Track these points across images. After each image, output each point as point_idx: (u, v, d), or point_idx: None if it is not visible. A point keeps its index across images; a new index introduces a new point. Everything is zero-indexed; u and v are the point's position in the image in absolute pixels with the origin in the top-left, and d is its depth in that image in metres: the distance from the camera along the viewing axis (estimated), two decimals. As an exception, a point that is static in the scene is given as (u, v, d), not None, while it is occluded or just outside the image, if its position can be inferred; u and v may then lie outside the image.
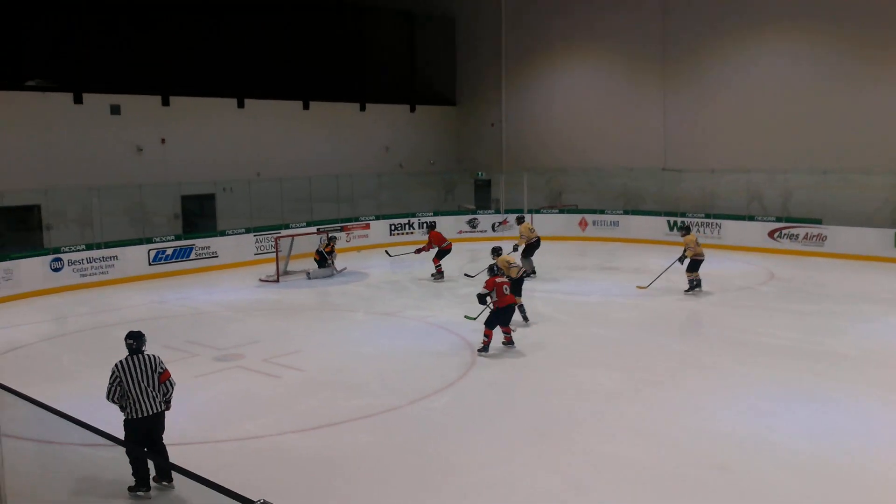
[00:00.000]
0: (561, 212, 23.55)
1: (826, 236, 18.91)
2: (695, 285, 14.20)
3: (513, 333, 10.62)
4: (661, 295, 14.31)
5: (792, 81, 20.57)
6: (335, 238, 17.15)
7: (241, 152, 22.09)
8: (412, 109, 27.07)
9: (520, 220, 16.68)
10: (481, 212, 23.78)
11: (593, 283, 15.87)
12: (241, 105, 22.36)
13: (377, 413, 8.19)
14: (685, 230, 14.68)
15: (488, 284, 10.43)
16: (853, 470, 6.61)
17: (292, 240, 17.32)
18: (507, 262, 12.02)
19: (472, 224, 23.21)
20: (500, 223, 23.23)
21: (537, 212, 23.32)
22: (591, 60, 24.88)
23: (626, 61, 23.91)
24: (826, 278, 16.20)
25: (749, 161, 21.21)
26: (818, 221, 19.25)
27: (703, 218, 21.09)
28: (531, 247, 15.93)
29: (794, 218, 19.70)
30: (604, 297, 14.36)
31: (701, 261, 14.18)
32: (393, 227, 22.37)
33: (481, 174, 26.44)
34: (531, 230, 16.10)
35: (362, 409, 8.30)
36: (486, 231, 23.08)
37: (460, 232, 22.85)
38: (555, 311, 13.19)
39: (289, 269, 16.95)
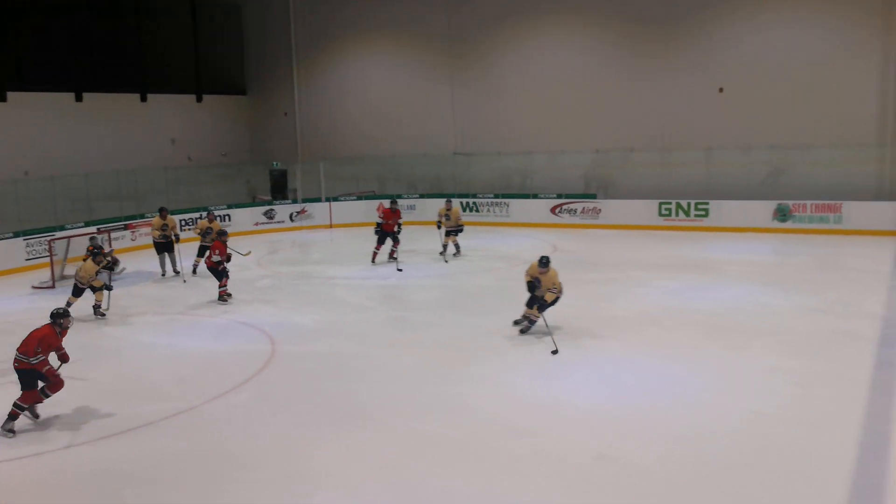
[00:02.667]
0: (359, 199, 23.68)
1: (601, 209, 20.60)
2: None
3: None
4: (457, 274, 14.90)
5: (570, 68, 22.13)
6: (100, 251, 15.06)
7: (5, 150, 20.07)
8: (199, 99, 25.96)
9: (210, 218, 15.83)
10: (278, 202, 23.34)
11: (391, 266, 16.15)
12: (2, 99, 20.28)
13: (173, 415, 7.86)
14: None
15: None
16: (635, 419, 7.26)
17: (68, 242, 16.02)
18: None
19: (269, 215, 22.72)
20: (298, 213, 22.94)
21: (335, 199, 23.30)
22: (382, 48, 25.20)
23: (416, 49, 24.47)
24: (602, 248, 17.64)
25: (531, 144, 22.57)
26: (593, 196, 20.92)
27: (492, 198, 22.15)
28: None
29: (572, 194, 21.25)
30: (402, 279, 14.68)
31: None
32: (183, 223, 21.35)
33: (277, 164, 25.92)
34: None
35: (157, 413, 7.91)
36: (284, 221, 22.67)
37: (257, 224, 22.29)
38: (355, 296, 13.30)
39: (65, 273, 15.66)
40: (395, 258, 15.80)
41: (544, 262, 10.02)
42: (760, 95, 19.51)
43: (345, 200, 23.42)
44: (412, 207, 22.89)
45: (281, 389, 8.66)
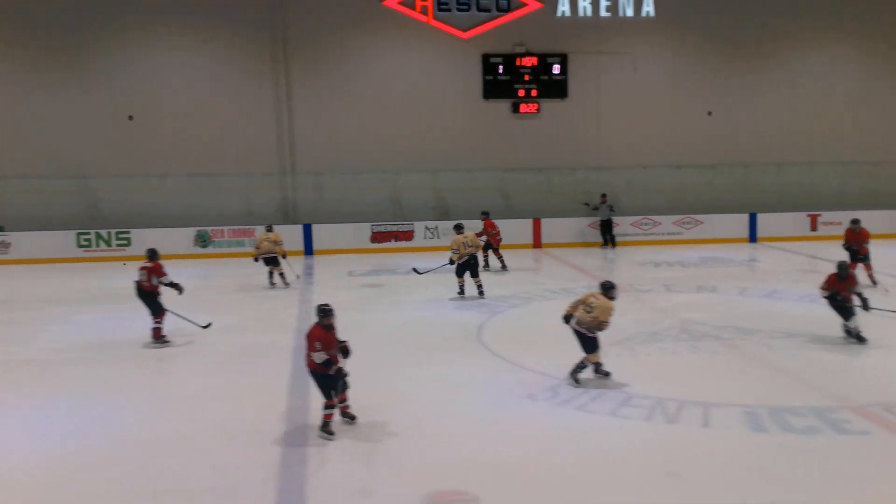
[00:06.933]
0: None
1: (10, 243, 18.59)
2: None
3: None
4: None
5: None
6: None
7: None
8: None
9: (458, 229, 14.15)
10: None
11: None
12: None
13: None
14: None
15: None
16: (70, 466, 6.72)
17: None
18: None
19: None
20: None
21: None
22: None
23: None
24: (14, 286, 15.95)
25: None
26: (1, 229, 18.78)
27: None
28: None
29: (-33, 227, 18.73)
30: None
31: None
32: None
33: None
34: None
35: None
36: None
37: None
38: None
39: None
40: None
41: None
42: (172, 126, 20.09)
43: None
44: None
45: None
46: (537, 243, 20.52)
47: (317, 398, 8.37)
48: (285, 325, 11.97)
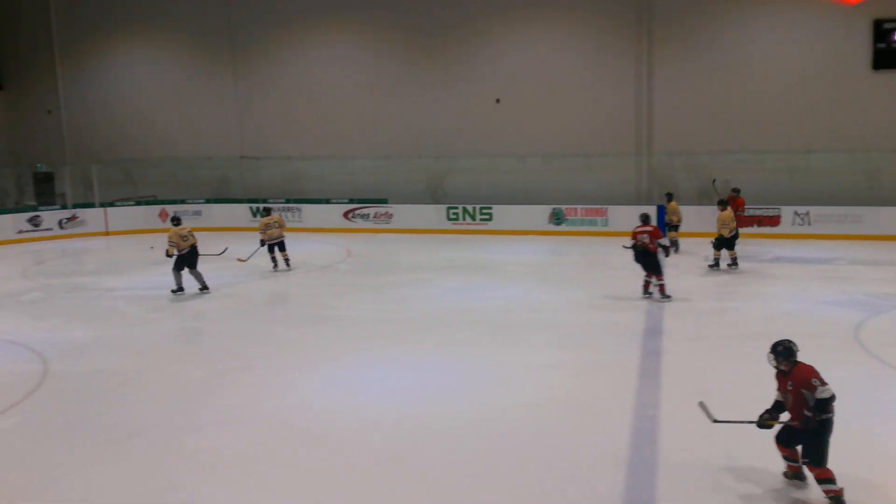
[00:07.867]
0: (138, 203, 22.30)
1: (392, 214, 21.01)
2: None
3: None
4: (247, 280, 14.47)
5: (356, 74, 22.29)
6: None
7: None
8: (-57, 93, 23.08)
9: (723, 204, 14.69)
10: (44, 208, 21.34)
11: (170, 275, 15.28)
12: None
13: (-77, 450, 6.92)
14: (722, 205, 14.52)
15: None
16: (427, 419, 7.40)
17: None
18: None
19: (35, 222, 20.70)
20: (69, 219, 21.12)
21: (111, 205, 21.78)
22: (158, 44, 23.94)
23: (196, 48, 23.52)
24: (395, 252, 17.99)
25: (321, 149, 22.51)
26: (384, 201, 21.29)
27: (284, 203, 21.79)
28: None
29: (364, 199, 21.48)
30: (188, 288, 13.97)
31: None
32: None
33: (41, 166, 23.70)
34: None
35: None
36: (52, 229, 20.80)
37: (20, 231, 20.26)
38: (136, 308, 12.51)
39: None
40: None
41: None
42: (533, 108, 20.86)
43: (122, 206, 21.95)
44: (198, 213, 21.95)
45: (55, 412, 7.91)
46: (933, 235, 17.50)
47: (668, 386, 8.13)
48: (634, 305, 11.81)
